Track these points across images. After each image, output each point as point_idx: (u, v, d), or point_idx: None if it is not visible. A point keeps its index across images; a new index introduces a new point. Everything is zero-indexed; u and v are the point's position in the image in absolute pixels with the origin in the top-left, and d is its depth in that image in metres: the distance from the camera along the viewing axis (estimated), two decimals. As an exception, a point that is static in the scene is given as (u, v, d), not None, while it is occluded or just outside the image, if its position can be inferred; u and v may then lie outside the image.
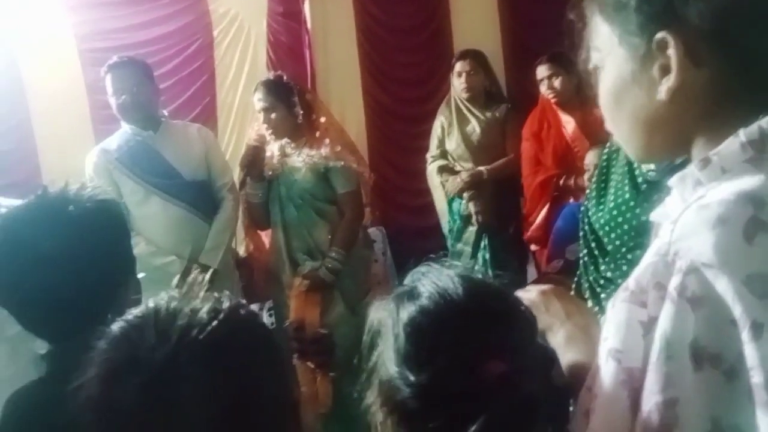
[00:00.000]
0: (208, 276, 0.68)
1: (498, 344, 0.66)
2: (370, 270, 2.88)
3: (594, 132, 2.79)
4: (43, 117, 3.35)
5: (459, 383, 0.65)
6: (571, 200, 2.91)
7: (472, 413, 0.62)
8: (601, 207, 1.36)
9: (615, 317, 0.61)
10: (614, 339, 0.60)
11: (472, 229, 3.17)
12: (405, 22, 3.90)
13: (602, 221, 1.34)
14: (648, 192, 1.25)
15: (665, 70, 0.60)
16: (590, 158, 2.68)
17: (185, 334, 0.57)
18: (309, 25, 3.68)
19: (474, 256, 3.15)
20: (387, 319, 0.71)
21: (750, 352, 0.50)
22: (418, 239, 3.63)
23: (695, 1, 0.57)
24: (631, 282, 0.60)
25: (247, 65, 3.63)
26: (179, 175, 2.54)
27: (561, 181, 3.01)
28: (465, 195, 3.16)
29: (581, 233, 1.40)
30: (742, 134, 0.57)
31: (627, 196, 1.31)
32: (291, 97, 2.60)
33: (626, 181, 1.32)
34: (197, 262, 2.48)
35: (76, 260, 0.84)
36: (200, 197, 2.57)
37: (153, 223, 2.49)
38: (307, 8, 3.67)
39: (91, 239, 0.88)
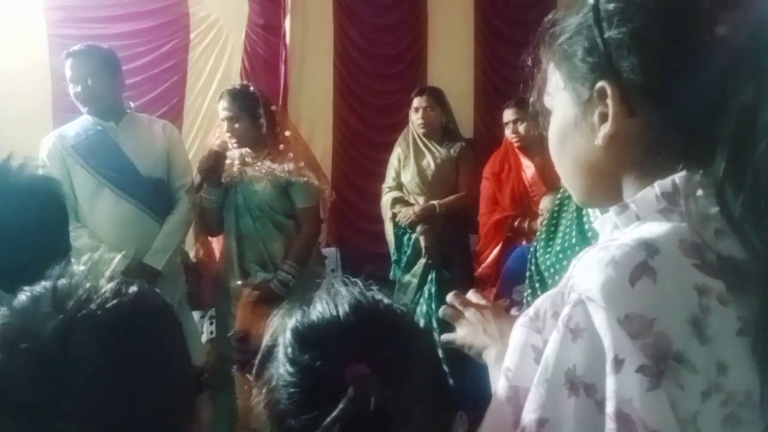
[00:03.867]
0: (118, 257, 0.66)
1: (365, 353, 0.70)
2: (320, 287, 2.86)
3: (552, 178, 2.86)
4: (4, 96, 3.25)
5: (324, 379, 0.69)
6: (524, 242, 2.97)
7: (330, 410, 0.66)
8: (549, 249, 1.40)
9: (512, 339, 0.64)
10: (509, 359, 0.64)
11: (421, 262, 3.20)
12: (382, 51, 3.96)
13: (548, 263, 1.38)
14: (593, 239, 1.29)
15: (603, 118, 0.63)
16: (545, 203, 2.75)
17: (81, 308, 0.56)
18: (287, 40, 3.71)
19: (420, 288, 3.17)
20: (279, 329, 0.76)
21: (608, 384, 0.53)
22: (370, 264, 3.64)
23: (629, 55, 0.61)
24: (532, 310, 0.64)
25: (220, 72, 3.62)
26: (135, 170, 2.48)
27: (516, 223, 3.08)
28: (418, 228, 3.20)
29: (528, 273, 1.43)
30: (657, 186, 0.60)
31: (573, 241, 1.35)
32: (256, 108, 2.58)
33: (574, 227, 1.36)
34: (142, 263, 2.42)
35: (7, 232, 0.82)
36: (154, 196, 2.51)
37: (101, 217, 2.42)
38: (287, 24, 3.70)
39: (26, 214, 0.85)
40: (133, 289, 0.62)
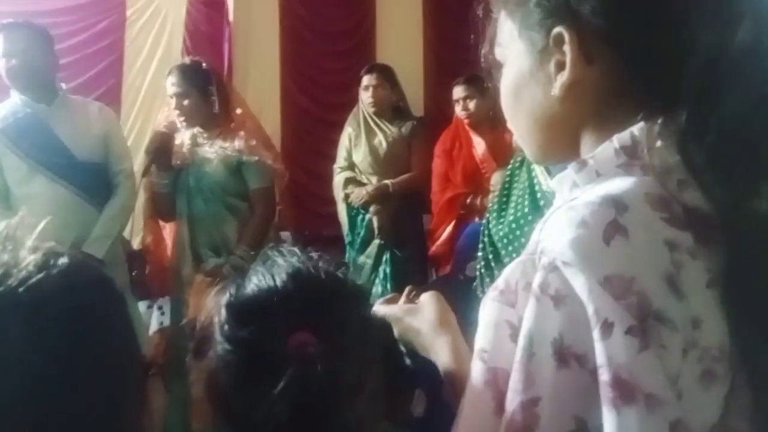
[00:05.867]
0: (43, 223, 0.57)
1: (308, 320, 0.66)
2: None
3: (503, 155, 2.87)
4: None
5: (265, 353, 0.65)
6: (476, 219, 2.98)
7: (275, 386, 0.62)
8: (501, 220, 1.39)
9: (484, 317, 0.60)
10: (482, 339, 0.60)
11: (375, 243, 3.17)
12: (330, 27, 3.89)
13: (501, 234, 1.37)
14: (546, 206, 1.28)
15: (561, 66, 0.60)
16: (496, 179, 2.75)
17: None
18: (231, 17, 3.59)
19: (375, 269, 3.15)
20: (214, 308, 0.71)
21: (599, 351, 0.50)
22: (323, 247, 3.57)
23: None
24: (500, 281, 0.60)
25: (160, 51, 3.48)
26: (71, 154, 2.35)
27: (468, 200, 3.08)
28: (371, 209, 3.16)
29: (480, 245, 1.42)
30: (616, 140, 0.58)
31: (526, 210, 1.34)
32: (208, 85, 2.48)
33: (526, 197, 1.35)
34: (80, 251, 2.30)
35: None
36: (92, 181, 2.39)
37: (36, 204, 2.28)
38: (230, 0, 3.58)
39: None
40: (63, 260, 0.53)
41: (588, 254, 0.52)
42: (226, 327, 0.68)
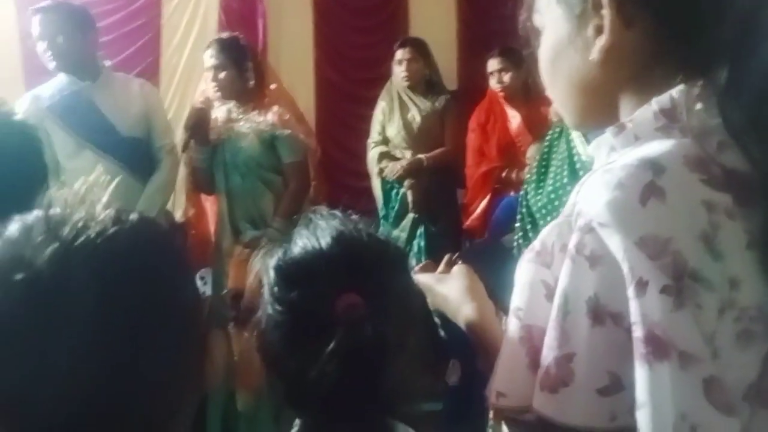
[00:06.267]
0: (117, 180, 0.61)
1: (354, 282, 0.68)
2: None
3: (538, 128, 2.85)
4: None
5: (314, 314, 0.68)
6: (512, 193, 2.97)
7: (326, 345, 0.65)
8: (540, 191, 1.39)
9: (520, 278, 0.62)
10: (518, 298, 0.62)
11: (409, 217, 3.19)
12: (362, 2, 3.87)
13: (539, 204, 1.38)
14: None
15: (599, 30, 0.60)
16: (532, 152, 2.73)
17: (78, 235, 0.52)
18: (264, -7, 3.60)
19: (409, 243, 3.17)
20: (263, 268, 0.75)
21: (633, 308, 0.52)
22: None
23: None
24: (537, 243, 0.61)
25: (196, 27, 3.51)
26: (115, 130, 2.42)
27: (503, 174, 3.07)
28: (405, 183, 3.17)
29: (518, 216, 1.43)
30: (655, 103, 0.58)
31: (565, 180, 1.34)
32: (244, 60, 2.51)
33: (565, 167, 1.35)
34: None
35: None
36: (135, 156, 2.46)
37: (84, 178, 2.36)
38: (263, -24, 3.59)
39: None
40: (134, 216, 0.56)
41: (624, 215, 0.53)
42: (276, 289, 0.71)
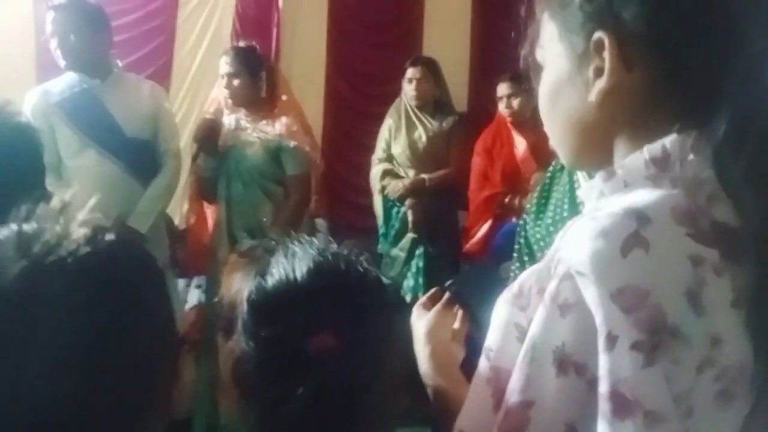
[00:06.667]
0: (93, 200, 0.60)
1: (328, 319, 0.67)
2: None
3: (544, 156, 2.83)
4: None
5: (288, 353, 0.67)
6: (513, 219, 2.95)
7: (299, 384, 0.64)
8: (539, 222, 1.38)
9: (495, 318, 0.61)
10: (491, 338, 0.61)
11: (409, 236, 3.18)
12: (377, 18, 3.89)
13: (537, 236, 1.36)
14: (585, 213, 1.27)
15: (599, 72, 0.59)
16: (536, 180, 2.72)
17: (49, 253, 0.51)
18: (280, 3, 3.62)
19: (407, 263, 3.16)
20: (238, 292, 0.74)
21: (601, 362, 0.50)
22: (356, 238, 3.61)
23: (632, 2, 0.57)
24: (515, 285, 0.61)
25: (210, 33, 3.54)
26: (121, 130, 2.42)
27: (506, 200, 3.06)
28: (406, 202, 3.16)
29: (516, 247, 1.42)
30: (646, 151, 0.57)
31: (565, 214, 1.33)
32: (258, 70, 2.54)
33: (566, 200, 1.34)
34: (125, 225, 2.37)
35: None
36: (139, 158, 2.45)
37: (85, 178, 2.35)
38: (281, -15, 3.62)
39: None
40: (110, 236, 0.55)
41: (603, 265, 0.52)
42: (248, 323, 0.70)
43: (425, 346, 0.85)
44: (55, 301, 0.50)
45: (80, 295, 0.51)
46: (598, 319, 0.51)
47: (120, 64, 2.58)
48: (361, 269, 0.74)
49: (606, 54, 0.58)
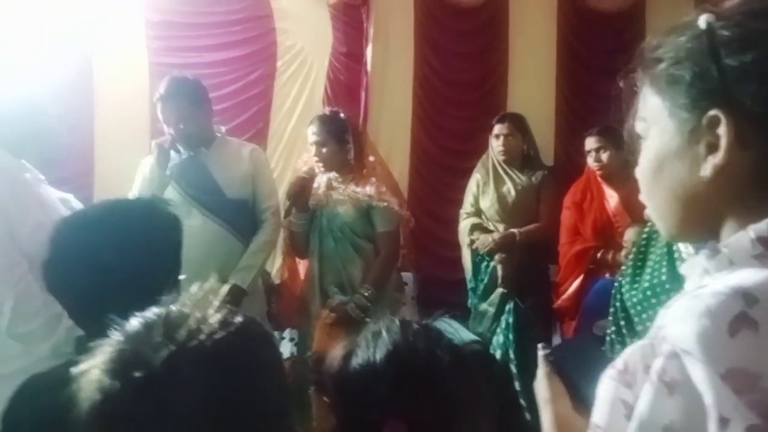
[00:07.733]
0: (226, 288, 0.69)
1: (401, 404, 0.72)
2: (398, 313, 2.88)
3: (636, 209, 2.75)
4: (106, 120, 3.51)
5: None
6: (607, 275, 2.87)
7: None
8: (636, 285, 1.34)
9: (601, 394, 0.61)
10: (597, 415, 0.61)
11: (498, 291, 3.15)
12: (462, 77, 3.97)
13: (635, 300, 1.33)
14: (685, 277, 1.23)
15: (712, 148, 0.60)
16: (630, 235, 2.65)
17: (190, 338, 0.59)
18: (369, 67, 3.79)
19: (497, 318, 3.12)
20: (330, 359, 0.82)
21: None
22: (445, 291, 3.61)
23: (751, 83, 0.58)
24: (619, 361, 0.60)
25: (304, 98, 3.74)
26: (221, 191, 2.59)
27: (598, 255, 2.98)
28: (496, 257, 3.15)
29: (612, 309, 1.38)
30: (752, 231, 0.57)
31: (663, 278, 1.29)
32: (344, 134, 2.68)
33: (664, 263, 1.30)
34: (226, 281, 2.51)
35: (127, 263, 0.89)
36: (239, 216, 2.61)
37: (193, 236, 2.49)
38: (369, 52, 3.79)
39: (142, 241, 0.92)
40: (238, 319, 0.64)
41: (711, 345, 0.51)
42: (332, 397, 0.79)
43: (546, 411, 0.87)
44: (195, 381, 0.57)
45: (215, 373, 0.58)
46: (708, 400, 0.50)
47: (223, 129, 2.78)
48: (438, 356, 0.79)
49: (721, 131, 0.59)
